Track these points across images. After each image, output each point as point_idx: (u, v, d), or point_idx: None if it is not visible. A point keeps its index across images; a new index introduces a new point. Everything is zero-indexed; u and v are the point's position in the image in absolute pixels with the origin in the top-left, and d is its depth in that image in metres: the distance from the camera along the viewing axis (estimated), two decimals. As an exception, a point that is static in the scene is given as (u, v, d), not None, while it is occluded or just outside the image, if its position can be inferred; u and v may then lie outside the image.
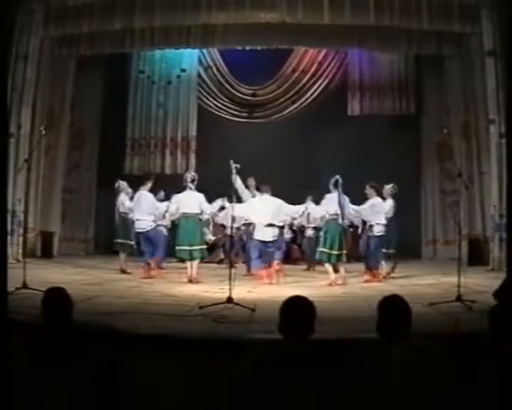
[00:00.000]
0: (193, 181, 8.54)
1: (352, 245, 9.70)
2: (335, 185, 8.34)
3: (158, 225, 9.26)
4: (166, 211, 9.00)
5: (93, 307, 5.48)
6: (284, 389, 2.54)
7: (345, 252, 8.40)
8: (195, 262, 8.43)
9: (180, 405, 3.59)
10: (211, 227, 11.44)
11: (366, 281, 8.56)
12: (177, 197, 8.67)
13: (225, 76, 13.36)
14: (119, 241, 9.34)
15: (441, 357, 2.77)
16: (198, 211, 8.50)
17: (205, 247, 8.84)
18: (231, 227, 7.63)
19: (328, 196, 8.55)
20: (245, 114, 13.46)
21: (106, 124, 13.05)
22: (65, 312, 3.06)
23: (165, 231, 9.64)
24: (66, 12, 10.45)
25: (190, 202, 8.49)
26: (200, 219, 8.71)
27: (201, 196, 8.55)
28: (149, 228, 9.00)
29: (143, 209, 8.95)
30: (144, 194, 9.08)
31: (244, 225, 9.55)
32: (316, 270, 10.05)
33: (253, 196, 9.31)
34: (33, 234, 10.94)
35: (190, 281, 8.28)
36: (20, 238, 9.96)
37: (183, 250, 8.42)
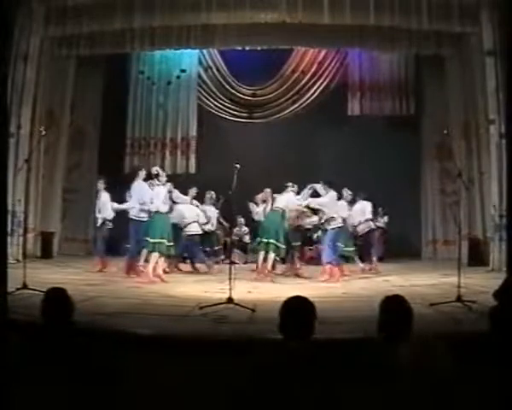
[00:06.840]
0: (157, 176, 8.78)
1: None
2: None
3: None
4: None
5: (93, 308, 5.48)
6: (284, 389, 2.53)
7: None
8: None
9: (180, 405, 3.59)
10: (214, 220, 11.31)
11: None
12: None
13: (225, 76, 13.35)
14: None
15: (444, 356, 2.76)
16: None
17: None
18: (231, 227, 7.60)
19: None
20: (245, 115, 13.45)
21: (106, 124, 13.03)
22: (65, 312, 3.05)
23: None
24: (66, 12, 10.43)
25: None
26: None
27: None
28: None
29: None
30: None
31: None
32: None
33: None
34: (33, 234, 10.94)
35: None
36: (20, 238, 9.95)
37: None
